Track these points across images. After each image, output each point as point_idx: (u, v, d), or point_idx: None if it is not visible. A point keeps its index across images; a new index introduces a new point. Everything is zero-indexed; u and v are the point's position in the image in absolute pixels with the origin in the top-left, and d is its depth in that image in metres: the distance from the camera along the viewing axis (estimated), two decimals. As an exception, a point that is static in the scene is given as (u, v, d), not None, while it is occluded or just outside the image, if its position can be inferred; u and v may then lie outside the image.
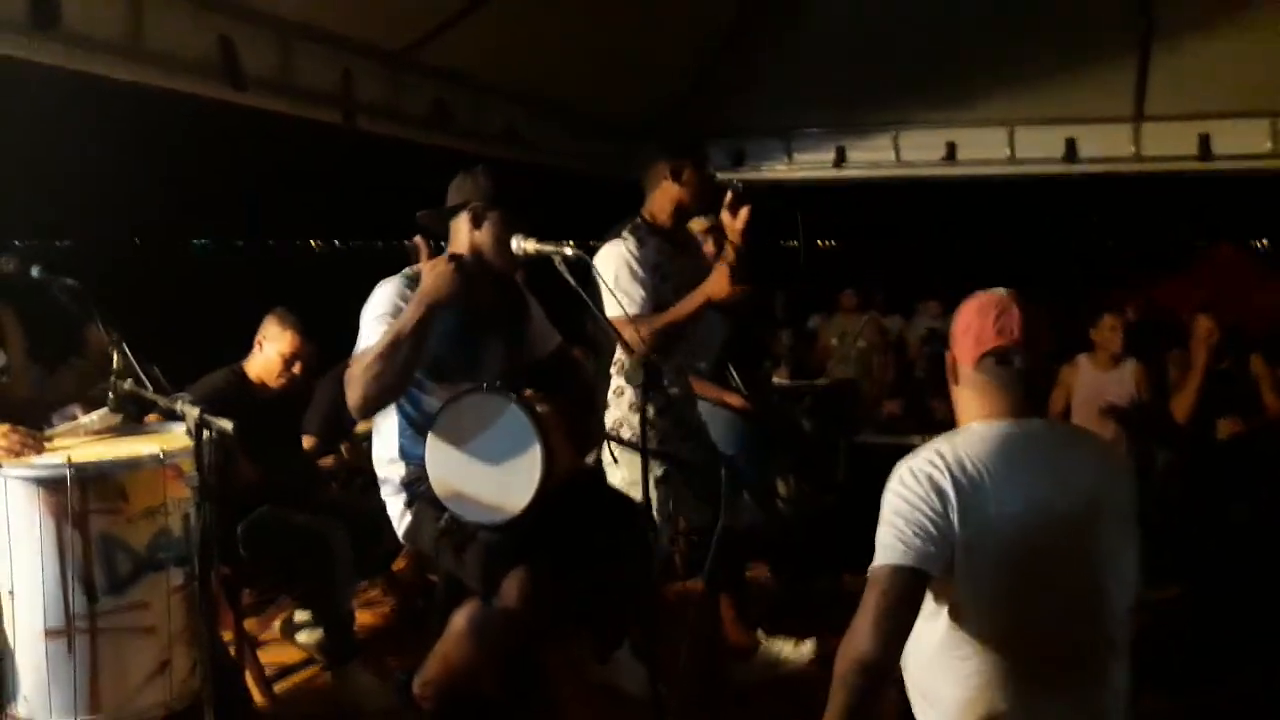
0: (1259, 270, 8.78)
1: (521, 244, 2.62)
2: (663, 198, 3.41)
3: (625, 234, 3.34)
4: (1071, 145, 5.67)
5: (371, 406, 2.58)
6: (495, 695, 2.77)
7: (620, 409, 3.31)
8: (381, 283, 2.65)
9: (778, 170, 6.42)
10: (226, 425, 2.17)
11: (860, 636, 1.69)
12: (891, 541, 1.76)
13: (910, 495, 1.78)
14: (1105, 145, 5.68)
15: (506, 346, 2.77)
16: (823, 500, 5.12)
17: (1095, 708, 1.81)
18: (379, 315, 2.58)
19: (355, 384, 2.50)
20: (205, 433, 2.20)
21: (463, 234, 2.74)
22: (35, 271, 2.60)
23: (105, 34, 3.07)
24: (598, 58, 5.19)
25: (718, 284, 3.12)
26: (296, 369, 3.60)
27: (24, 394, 2.88)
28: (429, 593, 3.81)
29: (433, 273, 2.52)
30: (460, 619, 2.56)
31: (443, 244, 2.83)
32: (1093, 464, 1.89)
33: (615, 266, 3.19)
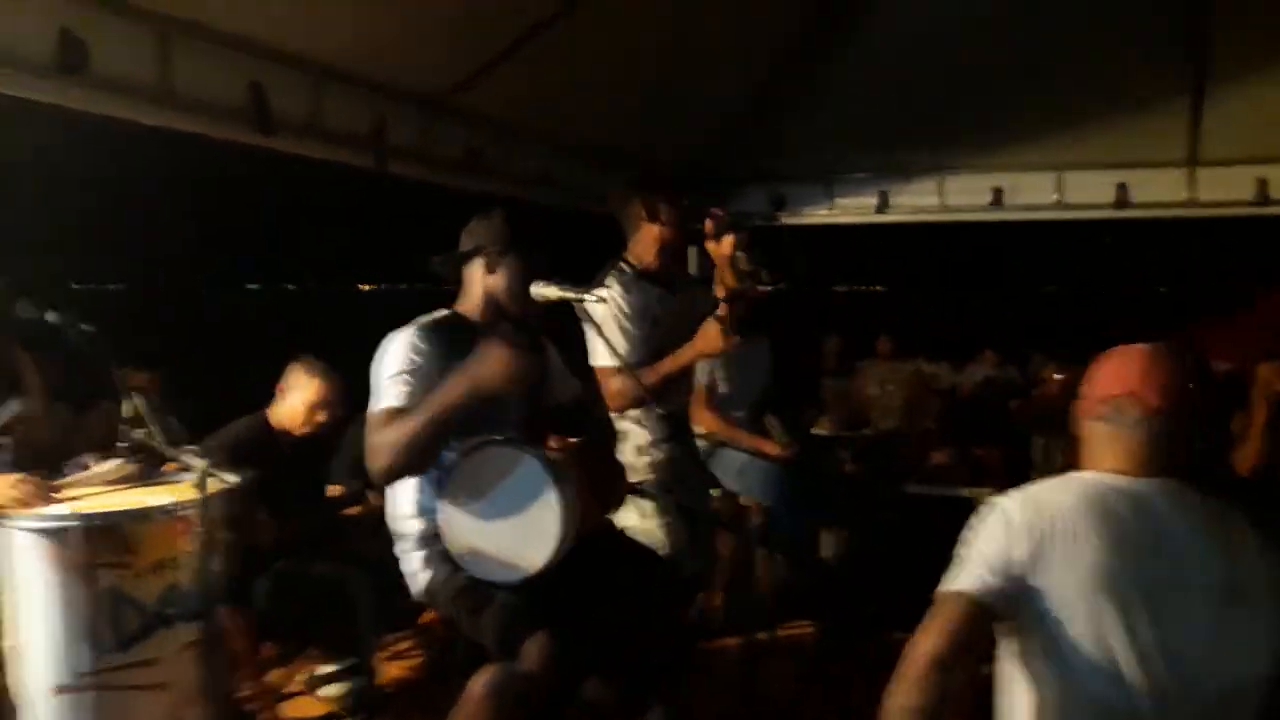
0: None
1: (542, 290, 2.53)
2: (645, 239, 3.31)
3: (610, 281, 3.25)
4: (1123, 190, 5.52)
5: (397, 478, 2.46)
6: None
7: (624, 455, 3.20)
8: (390, 336, 2.55)
9: (819, 215, 6.32)
10: (233, 479, 2.10)
11: (915, 649, 1.69)
12: (963, 569, 1.77)
13: (992, 528, 1.78)
14: (1158, 190, 5.52)
15: (526, 395, 2.67)
16: (869, 553, 4.95)
17: None
18: (395, 374, 2.46)
19: (382, 454, 2.36)
20: (211, 485, 2.12)
21: (476, 280, 2.66)
22: (51, 316, 2.56)
23: (134, 77, 3.06)
24: (635, 102, 5.14)
25: (709, 341, 3.03)
26: (321, 417, 3.54)
27: (45, 439, 2.84)
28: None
29: (491, 360, 2.35)
30: (478, 684, 2.44)
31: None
32: (1204, 537, 1.75)
33: (601, 315, 3.08)
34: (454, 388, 2.36)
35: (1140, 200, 5.52)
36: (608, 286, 3.22)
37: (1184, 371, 1.80)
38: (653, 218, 3.27)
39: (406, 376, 2.45)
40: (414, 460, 2.38)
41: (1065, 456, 6.08)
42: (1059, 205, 5.70)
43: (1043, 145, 5.64)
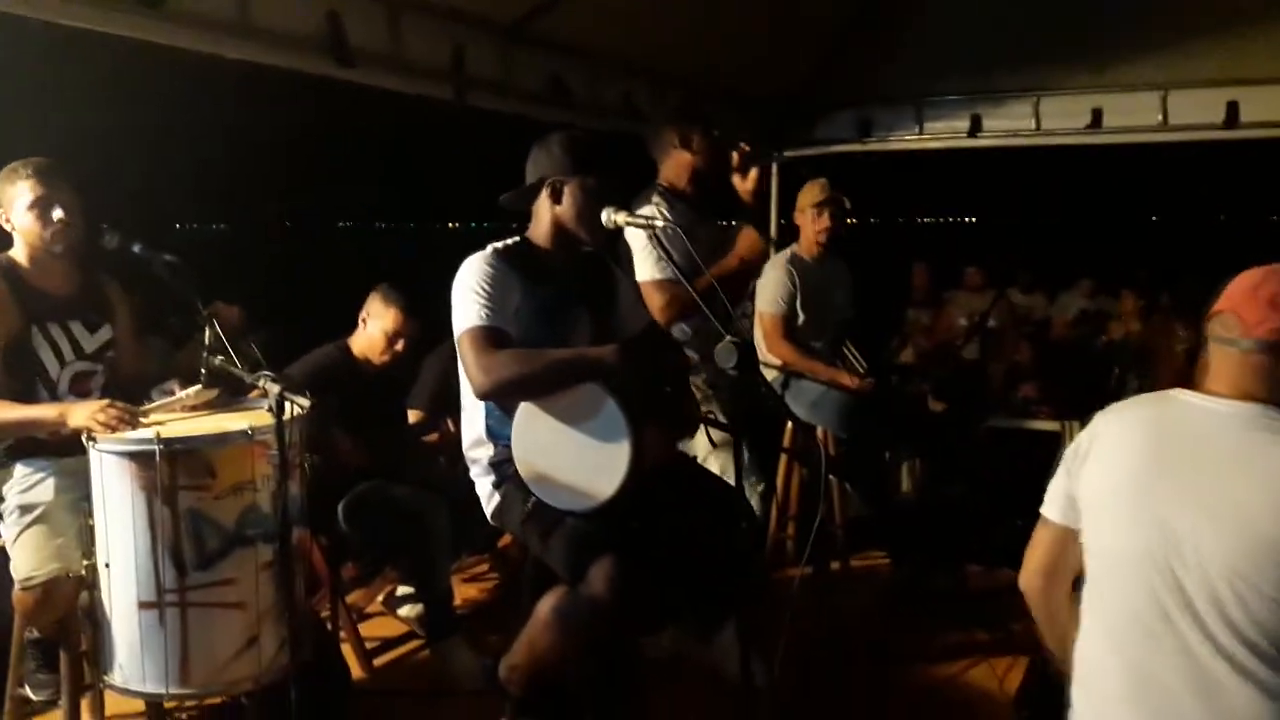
0: None
1: (612, 216, 2.50)
2: (677, 165, 3.45)
3: (656, 199, 3.33)
4: (1233, 109, 5.21)
5: (500, 397, 2.50)
6: (582, 684, 2.70)
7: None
8: (465, 262, 2.55)
9: (907, 140, 6.12)
10: (306, 403, 2.14)
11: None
12: (1049, 491, 1.90)
13: (1069, 448, 1.88)
14: (1272, 109, 5.19)
15: (594, 325, 2.66)
16: (948, 488, 4.88)
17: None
18: (474, 292, 2.47)
19: (494, 371, 2.39)
20: (288, 409, 2.17)
21: (544, 209, 2.63)
22: (137, 248, 2.64)
23: (212, 10, 3.09)
24: (720, 27, 5.02)
25: (748, 243, 3.19)
26: (400, 346, 3.59)
27: (135, 367, 2.95)
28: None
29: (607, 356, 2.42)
30: (545, 606, 2.49)
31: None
32: (1260, 468, 1.67)
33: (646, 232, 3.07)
34: (582, 362, 2.43)
35: (1251, 120, 5.20)
36: (653, 203, 3.30)
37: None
38: (684, 145, 3.42)
39: (485, 294, 2.46)
40: (527, 393, 2.45)
41: (1144, 385, 5.90)
42: (1163, 126, 5.41)
43: (1146, 62, 5.34)
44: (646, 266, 3.18)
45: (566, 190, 2.57)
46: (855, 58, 5.91)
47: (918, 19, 5.67)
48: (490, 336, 2.43)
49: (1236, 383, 1.73)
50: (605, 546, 2.42)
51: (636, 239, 3.07)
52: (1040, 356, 7.11)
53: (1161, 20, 5.15)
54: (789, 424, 4.29)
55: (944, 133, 6.04)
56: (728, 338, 2.18)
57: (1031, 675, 3.44)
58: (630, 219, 2.49)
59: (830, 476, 4.15)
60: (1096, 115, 5.54)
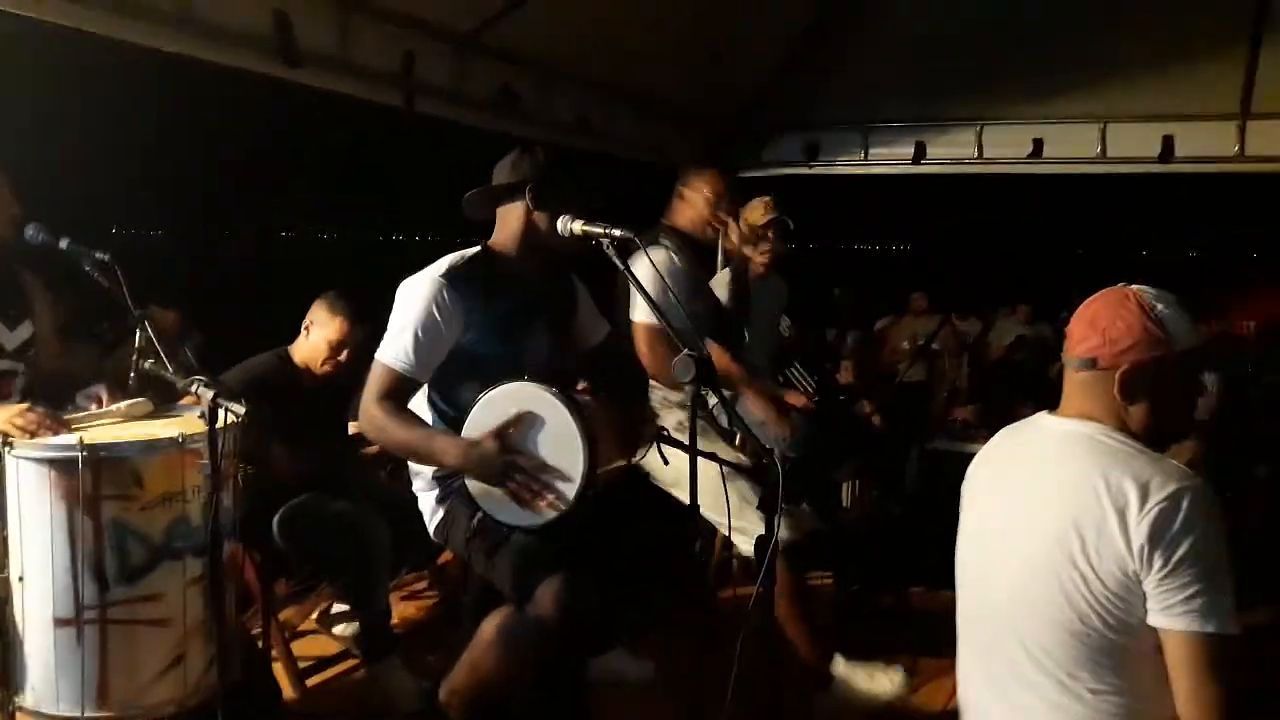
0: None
1: (569, 224, 2.44)
2: (694, 214, 3.51)
3: (664, 241, 3.38)
4: (1169, 143, 5.33)
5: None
6: (527, 707, 2.61)
7: (674, 415, 3.17)
8: (413, 280, 2.48)
9: (853, 165, 6.18)
10: (241, 410, 2.04)
11: None
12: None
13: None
14: (1206, 144, 5.33)
15: (552, 337, 2.61)
16: (890, 507, 4.89)
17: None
18: (407, 326, 2.42)
19: (368, 427, 2.46)
20: (221, 416, 2.06)
21: (517, 217, 2.56)
22: (64, 244, 2.50)
23: (154, 2, 2.97)
24: (673, 46, 5.03)
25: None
26: (344, 356, 3.49)
27: (58, 368, 2.80)
28: (475, 589, 3.70)
29: (481, 458, 2.33)
30: (490, 626, 2.41)
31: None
32: (1068, 477, 1.69)
33: (652, 274, 3.05)
34: (447, 453, 2.39)
35: (1186, 154, 5.33)
36: (665, 247, 3.35)
37: (1108, 313, 1.73)
38: (714, 199, 3.50)
39: (418, 334, 2.41)
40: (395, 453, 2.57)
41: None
42: (1101, 158, 5.53)
43: (1086, 95, 5.47)
44: (639, 306, 3.21)
45: (548, 199, 2.51)
46: (802, 82, 5.97)
47: (864, 46, 5.74)
48: (394, 384, 2.43)
49: (1072, 401, 1.77)
50: (554, 564, 2.35)
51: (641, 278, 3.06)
52: (977, 380, 7.20)
53: (1102, 54, 5.27)
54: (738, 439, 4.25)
55: (888, 158, 6.10)
56: (684, 351, 2.14)
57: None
58: (587, 228, 2.42)
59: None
60: (1037, 145, 5.65)
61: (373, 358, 3.79)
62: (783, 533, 3.11)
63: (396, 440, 2.43)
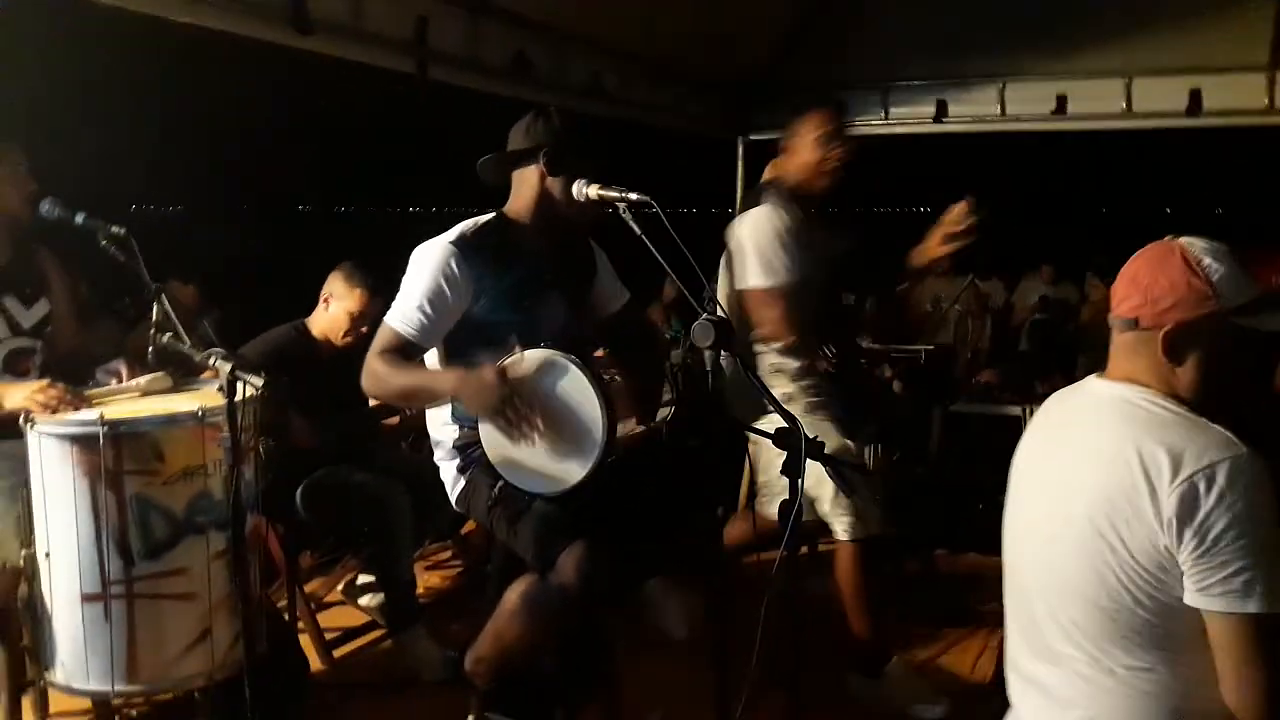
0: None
1: (584, 189, 2.39)
2: (805, 165, 3.19)
3: (768, 199, 3.16)
4: (1196, 96, 5.22)
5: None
6: (553, 673, 2.62)
7: (783, 386, 3.13)
8: (426, 246, 2.45)
9: (873, 125, 6.09)
10: (260, 382, 2.03)
11: None
12: None
13: None
14: (1235, 97, 5.21)
15: (568, 305, 2.58)
16: (913, 471, 4.85)
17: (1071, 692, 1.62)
18: (417, 293, 2.39)
19: (371, 383, 2.46)
20: (240, 389, 2.05)
21: (531, 182, 2.52)
22: (79, 218, 2.49)
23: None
24: (688, 8, 4.94)
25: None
26: (365, 327, 3.48)
27: (75, 344, 2.81)
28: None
29: (482, 390, 2.29)
30: (514, 594, 2.41)
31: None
32: (1105, 446, 1.58)
33: (759, 235, 3.03)
34: (444, 381, 2.38)
35: (1214, 108, 5.21)
36: (770, 206, 3.13)
37: (1150, 269, 1.59)
38: (826, 142, 3.16)
39: (425, 300, 2.38)
40: (395, 403, 2.46)
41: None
42: (1127, 113, 5.42)
43: (1110, 49, 5.35)
44: (751, 274, 3.08)
45: (564, 163, 2.46)
46: (821, 41, 5.88)
47: (883, 2, 5.64)
48: (397, 345, 2.41)
49: (1118, 364, 1.66)
50: (575, 532, 2.34)
51: (746, 240, 2.97)
52: (1000, 342, 7.13)
53: (1126, 7, 5.16)
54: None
55: (910, 118, 6.01)
56: (703, 316, 2.11)
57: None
58: (603, 192, 2.38)
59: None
60: (1061, 101, 5.54)
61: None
62: (846, 529, 3.10)
63: (395, 385, 2.41)
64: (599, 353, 2.73)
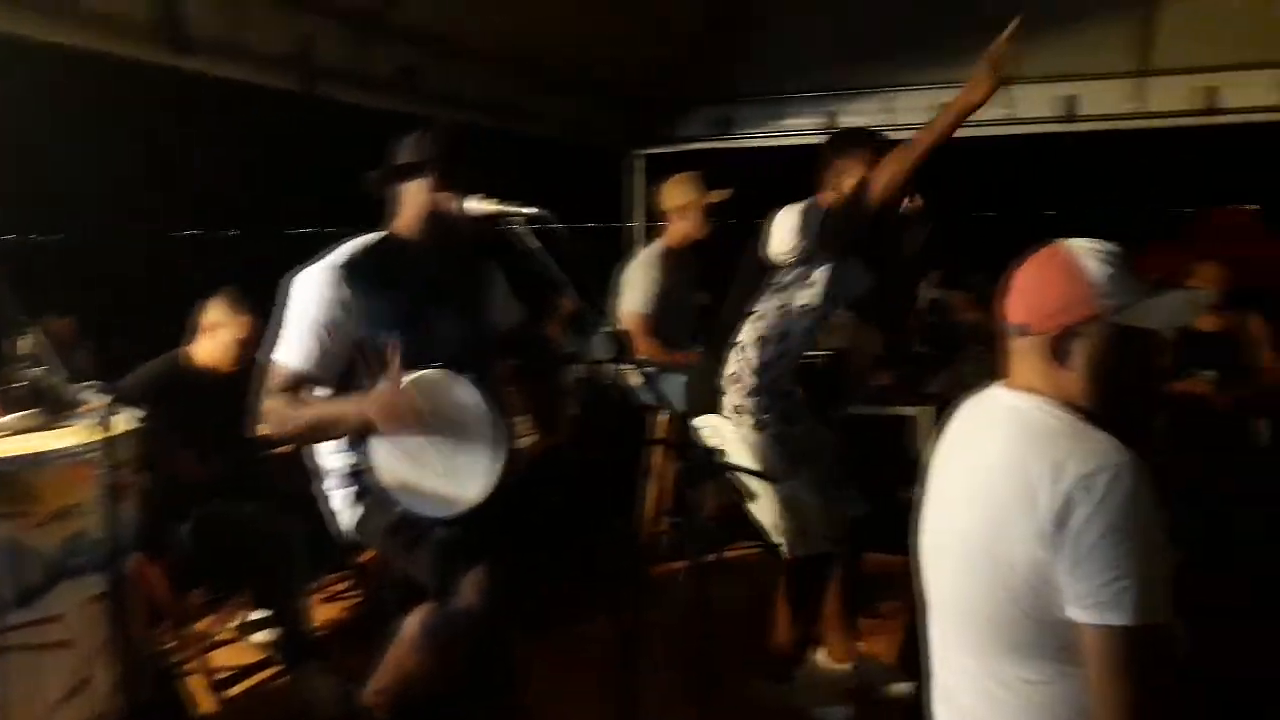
0: (1259, 230, 8.51)
1: (478, 204, 2.35)
2: (851, 177, 3.03)
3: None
4: (1072, 102, 5.44)
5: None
6: (458, 702, 2.55)
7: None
8: (308, 272, 2.34)
9: (767, 137, 6.19)
10: (137, 415, 1.93)
11: None
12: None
13: None
14: (1107, 102, 5.44)
15: (463, 322, 2.50)
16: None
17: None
18: (307, 323, 2.29)
19: (268, 422, 2.30)
20: (117, 423, 1.95)
21: (420, 197, 2.44)
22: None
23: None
24: (582, 20, 4.93)
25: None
26: (250, 353, 3.36)
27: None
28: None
29: (390, 405, 2.17)
30: (413, 622, 2.34)
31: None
32: (993, 456, 1.55)
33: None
34: (349, 408, 2.23)
35: (1088, 112, 5.44)
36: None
37: (1034, 274, 1.58)
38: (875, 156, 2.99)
39: (316, 329, 2.28)
40: (301, 443, 2.41)
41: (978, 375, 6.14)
42: (1009, 119, 5.60)
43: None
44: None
45: (452, 177, 2.39)
46: (715, 55, 5.93)
47: (774, 17, 5.73)
48: (292, 383, 2.28)
49: (1016, 371, 1.61)
50: (477, 554, 2.29)
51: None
52: (894, 346, 7.28)
53: (1004, 20, 5.34)
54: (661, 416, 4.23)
55: (801, 129, 6.11)
56: (604, 329, 2.09)
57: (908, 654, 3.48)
58: (500, 206, 2.33)
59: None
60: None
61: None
62: (787, 545, 3.09)
63: (300, 423, 2.27)
64: (498, 370, 2.68)
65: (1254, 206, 11.49)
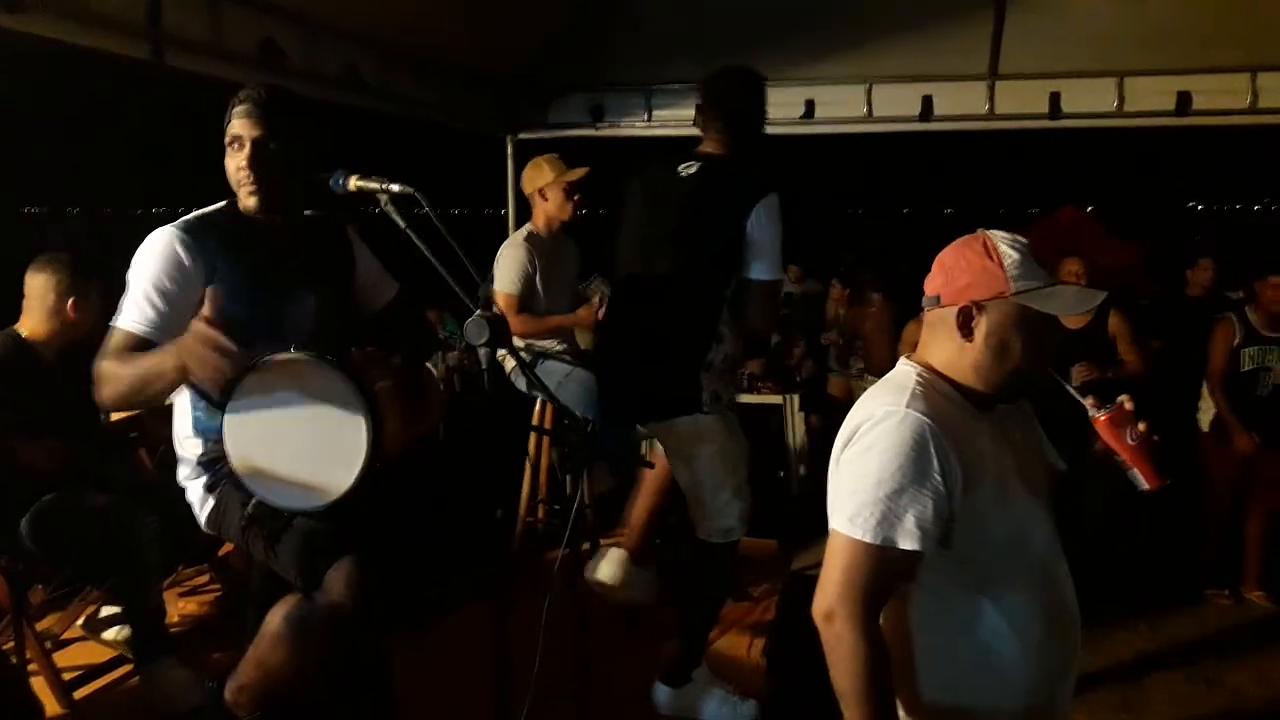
0: (1102, 231, 9.00)
1: (341, 180, 2.25)
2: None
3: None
4: (928, 102, 5.64)
5: (120, 410, 2.27)
6: (323, 700, 2.47)
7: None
8: (153, 236, 2.25)
9: (636, 127, 6.19)
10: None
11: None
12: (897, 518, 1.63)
13: (920, 467, 1.63)
14: (960, 103, 5.66)
15: (320, 302, 2.40)
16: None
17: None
18: (146, 287, 2.20)
19: (102, 387, 2.19)
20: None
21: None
22: None
23: None
24: (451, 3, 4.83)
25: None
26: (72, 317, 3.16)
27: None
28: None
29: (196, 347, 1.99)
30: (276, 618, 2.24)
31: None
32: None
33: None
34: (167, 355, 2.07)
35: (943, 113, 5.65)
36: None
37: (954, 252, 1.78)
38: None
39: (156, 295, 2.20)
40: (134, 404, 2.32)
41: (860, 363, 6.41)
42: (868, 118, 5.77)
43: (853, 57, 5.69)
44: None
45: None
46: (588, 41, 5.90)
47: (650, 5, 5.74)
48: (127, 346, 2.19)
49: (922, 342, 1.82)
50: (341, 547, 2.21)
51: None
52: (755, 339, 7.45)
53: (866, 20, 5.51)
54: (539, 404, 4.20)
55: (671, 121, 6.14)
56: (477, 312, 2.06)
57: (776, 640, 3.56)
58: (361, 184, 2.25)
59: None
60: (809, 106, 5.83)
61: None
62: (725, 531, 3.04)
63: (125, 380, 2.13)
64: (362, 352, 2.59)
65: (1090, 207, 12.17)
